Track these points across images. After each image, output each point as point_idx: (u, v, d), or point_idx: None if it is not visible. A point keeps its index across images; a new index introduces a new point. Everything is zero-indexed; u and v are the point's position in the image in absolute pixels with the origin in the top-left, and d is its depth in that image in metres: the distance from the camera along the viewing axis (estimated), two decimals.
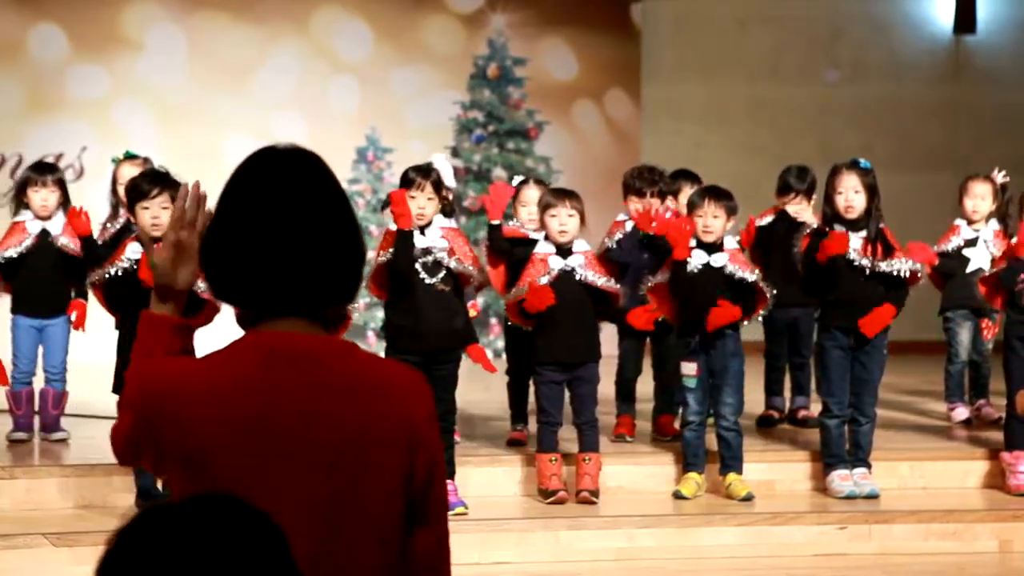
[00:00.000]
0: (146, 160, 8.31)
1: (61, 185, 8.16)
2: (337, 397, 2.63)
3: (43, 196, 8.05)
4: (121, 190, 8.05)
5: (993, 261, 8.02)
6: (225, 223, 2.70)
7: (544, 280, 7.36)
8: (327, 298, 2.72)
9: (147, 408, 2.65)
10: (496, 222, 7.83)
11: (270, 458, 2.60)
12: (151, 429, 2.64)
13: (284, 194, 2.68)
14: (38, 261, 8.02)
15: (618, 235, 8.25)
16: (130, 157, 8.31)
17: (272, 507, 2.51)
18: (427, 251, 7.12)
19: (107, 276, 7.03)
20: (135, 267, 6.95)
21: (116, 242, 7.60)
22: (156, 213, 6.86)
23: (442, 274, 7.12)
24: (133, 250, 6.97)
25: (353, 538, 2.64)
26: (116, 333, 7.15)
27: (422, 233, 7.14)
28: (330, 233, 2.69)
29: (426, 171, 7.17)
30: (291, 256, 2.65)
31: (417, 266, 7.10)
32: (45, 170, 8.27)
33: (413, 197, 7.11)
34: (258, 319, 2.70)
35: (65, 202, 8.14)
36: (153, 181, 7.00)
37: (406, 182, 7.17)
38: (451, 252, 7.15)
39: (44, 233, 8.05)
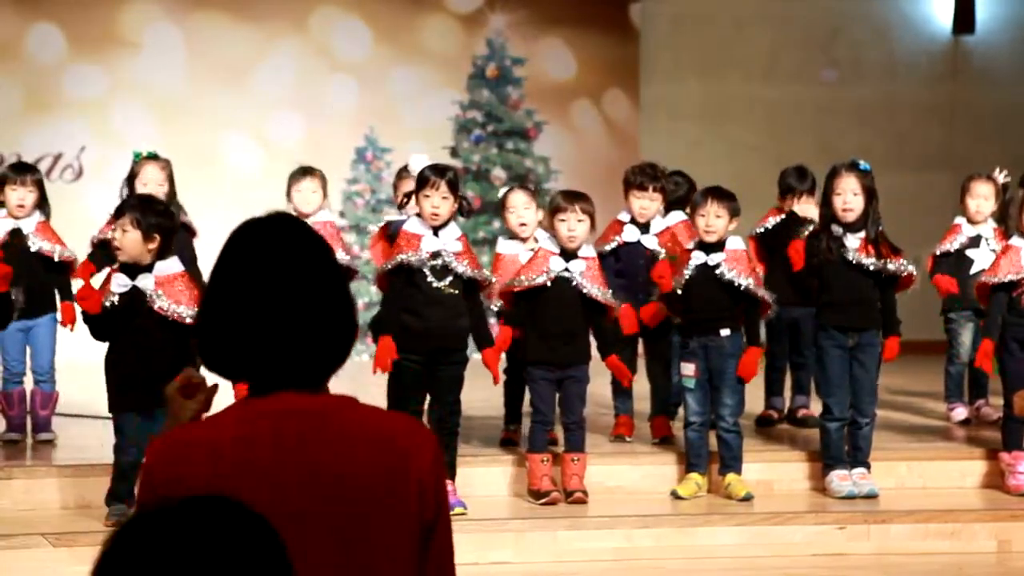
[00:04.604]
0: (167, 163, 8.27)
1: (39, 185, 8.11)
2: (344, 454, 2.59)
3: (20, 196, 7.97)
4: (139, 186, 8.01)
5: (992, 264, 8.02)
6: (216, 300, 2.66)
7: (540, 280, 7.36)
8: (325, 369, 2.68)
9: (158, 483, 2.59)
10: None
11: (278, 517, 2.55)
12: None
13: (272, 268, 2.64)
14: (13, 261, 7.94)
15: (615, 240, 8.24)
16: (152, 157, 8.24)
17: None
18: (436, 254, 7.12)
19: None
20: (115, 303, 6.75)
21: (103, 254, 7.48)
22: (118, 235, 6.78)
23: (450, 278, 7.13)
24: (118, 283, 6.84)
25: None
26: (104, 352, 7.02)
27: (435, 234, 7.14)
28: (325, 304, 2.66)
29: (441, 170, 7.19)
30: (287, 331, 2.62)
31: (425, 270, 7.11)
32: (23, 170, 8.21)
33: (428, 196, 7.12)
34: (255, 393, 2.66)
35: (43, 203, 8.09)
36: (126, 206, 6.91)
37: (421, 181, 7.16)
38: (461, 256, 7.15)
39: (16, 232, 7.98)
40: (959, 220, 8.99)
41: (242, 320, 2.63)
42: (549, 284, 7.39)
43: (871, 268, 7.48)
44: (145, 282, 6.73)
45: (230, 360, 2.67)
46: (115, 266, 6.91)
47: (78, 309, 7.22)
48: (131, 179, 8.14)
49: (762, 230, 8.78)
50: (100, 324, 6.82)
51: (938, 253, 8.95)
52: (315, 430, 2.60)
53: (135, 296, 6.75)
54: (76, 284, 7.63)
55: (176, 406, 2.92)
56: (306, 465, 2.58)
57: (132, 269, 6.76)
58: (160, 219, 6.81)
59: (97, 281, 7.19)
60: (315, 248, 2.70)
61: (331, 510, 2.58)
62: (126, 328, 6.75)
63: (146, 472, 2.63)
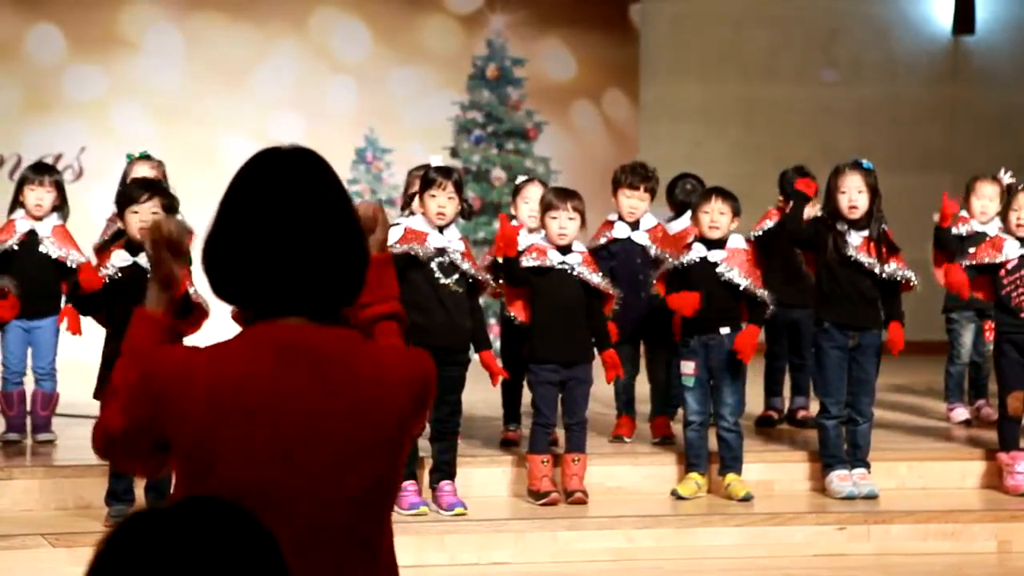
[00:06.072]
0: (160, 163, 8.27)
1: (58, 187, 8.13)
2: (344, 391, 2.65)
3: (38, 196, 8.01)
4: None
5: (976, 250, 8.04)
6: (228, 224, 2.70)
7: (543, 263, 7.34)
8: (330, 300, 2.72)
9: (153, 391, 2.63)
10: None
11: (277, 453, 2.61)
12: (156, 414, 2.63)
13: (287, 196, 2.69)
14: (25, 261, 7.96)
15: (606, 236, 8.23)
16: (145, 157, 8.24)
17: (276, 502, 2.53)
18: (442, 251, 7.15)
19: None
20: (119, 275, 6.87)
21: (112, 241, 7.54)
22: (145, 218, 6.82)
23: (456, 276, 7.16)
24: (119, 257, 6.89)
25: (361, 525, 2.66)
26: (103, 336, 7.05)
27: (440, 232, 7.18)
28: (332, 235, 2.70)
29: (448, 172, 7.26)
30: (293, 258, 2.66)
31: (433, 265, 7.14)
32: (43, 170, 8.25)
33: (434, 196, 7.16)
34: (260, 318, 2.70)
35: (62, 205, 8.12)
36: (143, 187, 7.03)
37: (428, 182, 7.20)
38: (465, 255, 7.18)
39: (32, 233, 7.99)
40: (964, 214, 8.94)
41: (250, 246, 2.67)
42: (551, 266, 7.36)
43: (865, 267, 7.48)
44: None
45: (235, 285, 2.70)
46: (120, 241, 6.99)
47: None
48: (125, 180, 8.15)
49: (760, 232, 8.75)
50: (93, 299, 6.93)
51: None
52: (317, 369, 2.65)
53: (136, 273, 6.81)
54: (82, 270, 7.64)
55: (164, 258, 2.86)
56: (306, 405, 2.63)
57: (135, 248, 6.82)
58: (172, 201, 7.03)
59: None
60: (327, 181, 2.75)
61: (329, 449, 2.63)
62: (123, 311, 6.76)
63: (144, 379, 2.65)
